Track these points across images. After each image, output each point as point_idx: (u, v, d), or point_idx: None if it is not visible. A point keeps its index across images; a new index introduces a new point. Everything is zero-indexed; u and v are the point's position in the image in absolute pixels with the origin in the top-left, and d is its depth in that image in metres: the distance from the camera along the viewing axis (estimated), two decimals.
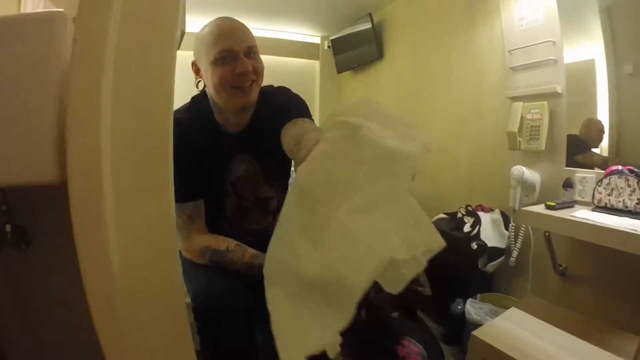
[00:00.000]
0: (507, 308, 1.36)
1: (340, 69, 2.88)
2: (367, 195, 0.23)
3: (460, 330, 1.36)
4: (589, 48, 1.45)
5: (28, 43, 0.30)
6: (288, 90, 0.96)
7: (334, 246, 0.23)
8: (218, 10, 2.43)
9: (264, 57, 0.87)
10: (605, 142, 1.38)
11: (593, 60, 1.42)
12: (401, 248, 0.23)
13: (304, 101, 0.94)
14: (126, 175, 0.31)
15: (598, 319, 1.07)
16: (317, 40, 3.01)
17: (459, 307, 1.40)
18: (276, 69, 2.68)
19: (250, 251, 0.84)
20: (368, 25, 2.42)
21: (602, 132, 1.39)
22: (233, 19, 0.84)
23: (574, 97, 1.41)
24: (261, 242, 0.89)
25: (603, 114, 1.39)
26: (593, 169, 1.37)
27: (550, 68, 1.42)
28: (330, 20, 2.69)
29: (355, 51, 2.62)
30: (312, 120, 0.89)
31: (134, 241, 0.33)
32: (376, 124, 0.23)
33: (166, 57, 0.35)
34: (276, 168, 0.95)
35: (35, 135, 0.29)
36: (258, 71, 0.84)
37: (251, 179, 0.93)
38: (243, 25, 0.84)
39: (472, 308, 1.36)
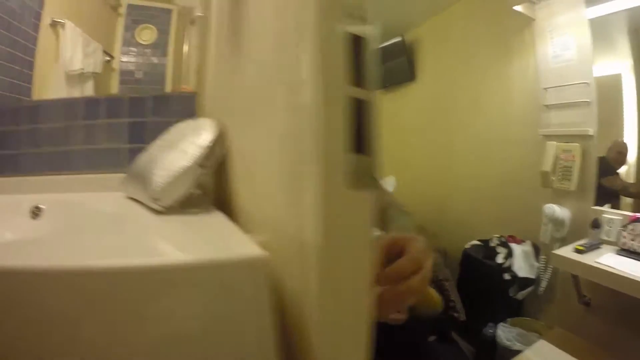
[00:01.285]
0: (536, 331, 1.51)
1: None
2: None
3: (491, 351, 1.53)
4: (615, 63, 1.46)
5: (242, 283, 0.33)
6: None
7: None
8: None
9: None
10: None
11: (620, 74, 1.44)
12: None
13: None
14: None
15: (613, 351, 1.20)
16: None
17: (491, 330, 1.56)
18: None
19: None
20: (399, 39, 2.48)
21: (622, 154, 1.41)
22: None
23: (600, 112, 1.43)
24: None
25: (630, 133, 1.39)
26: (617, 194, 1.41)
27: (583, 110, 1.48)
28: None
29: (387, 68, 2.65)
30: None
31: None
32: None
33: None
34: None
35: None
36: None
37: None
38: None
39: (503, 332, 1.52)
